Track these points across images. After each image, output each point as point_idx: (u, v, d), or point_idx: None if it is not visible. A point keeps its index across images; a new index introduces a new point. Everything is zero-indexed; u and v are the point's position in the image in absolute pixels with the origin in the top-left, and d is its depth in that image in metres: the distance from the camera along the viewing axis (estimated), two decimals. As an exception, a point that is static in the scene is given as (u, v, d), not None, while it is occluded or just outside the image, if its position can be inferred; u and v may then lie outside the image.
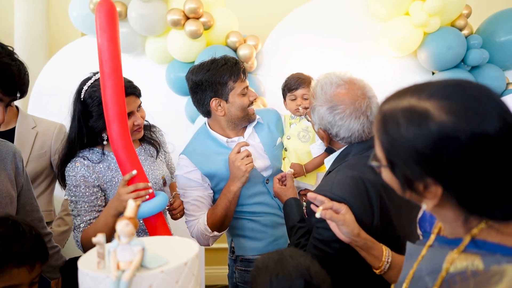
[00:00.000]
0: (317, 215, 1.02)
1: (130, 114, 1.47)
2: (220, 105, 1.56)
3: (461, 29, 2.57)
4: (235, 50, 2.50)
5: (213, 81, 1.52)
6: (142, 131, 1.57)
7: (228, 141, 1.68)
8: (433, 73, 2.77)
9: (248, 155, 1.51)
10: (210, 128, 1.72)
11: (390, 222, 1.14)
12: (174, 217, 1.76)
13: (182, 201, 1.73)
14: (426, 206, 0.69)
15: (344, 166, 1.18)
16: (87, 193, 1.51)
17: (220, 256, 3.05)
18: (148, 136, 1.69)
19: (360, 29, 2.62)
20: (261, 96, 2.51)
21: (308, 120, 1.31)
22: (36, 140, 1.90)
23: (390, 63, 2.75)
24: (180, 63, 2.48)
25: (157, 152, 1.75)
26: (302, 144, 1.73)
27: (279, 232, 1.71)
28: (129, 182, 1.40)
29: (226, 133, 1.69)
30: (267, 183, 1.71)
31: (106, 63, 1.36)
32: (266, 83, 2.60)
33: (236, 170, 1.49)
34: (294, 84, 1.74)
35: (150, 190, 1.42)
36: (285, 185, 1.51)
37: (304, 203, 1.47)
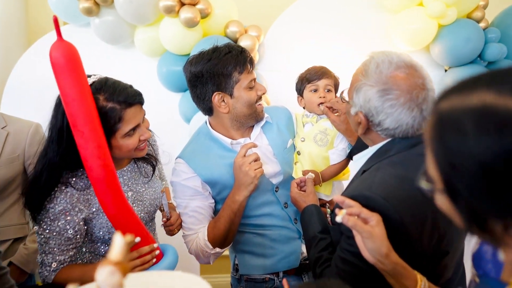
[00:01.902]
0: (338, 219, 0.87)
1: (136, 127, 1.27)
2: (223, 100, 1.38)
3: (478, 22, 2.41)
4: (235, 42, 2.28)
5: (215, 72, 1.33)
6: (147, 148, 1.37)
7: (232, 143, 1.48)
8: (445, 70, 2.61)
9: (257, 159, 1.35)
10: (212, 127, 1.51)
11: (439, 234, 0.95)
12: (171, 233, 1.54)
13: (179, 214, 1.50)
14: (504, 255, 0.48)
15: (386, 163, 1.00)
16: (65, 230, 1.24)
17: (219, 264, 2.80)
18: None
19: (368, 21, 2.47)
20: None
21: (344, 100, 1.12)
22: (7, 142, 1.64)
23: None
24: (174, 55, 2.28)
25: (154, 169, 1.54)
26: (318, 149, 1.52)
27: (290, 247, 1.53)
28: (132, 248, 1.19)
29: (230, 133, 1.49)
30: (276, 191, 1.51)
31: (75, 115, 1.04)
32: (268, 78, 2.41)
33: (243, 176, 1.33)
34: (315, 74, 1.52)
35: (157, 252, 1.23)
36: (304, 191, 1.36)
37: (329, 211, 1.27)
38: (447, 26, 2.41)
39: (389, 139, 1.04)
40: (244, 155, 1.35)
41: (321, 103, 1.51)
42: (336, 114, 1.48)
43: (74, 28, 2.48)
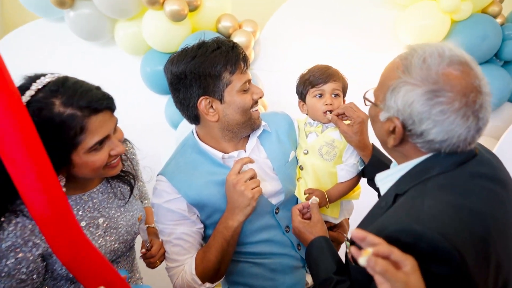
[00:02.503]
0: (362, 262, 0.66)
1: (105, 139, 1.05)
2: (212, 106, 1.18)
3: (494, 17, 2.23)
4: (228, 37, 2.04)
5: (201, 72, 1.13)
6: (120, 164, 1.16)
7: (224, 157, 1.26)
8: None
9: (253, 176, 1.17)
10: (200, 139, 1.30)
11: (504, 280, 0.78)
12: (152, 266, 1.31)
13: (161, 242, 1.29)
14: None
15: (433, 187, 0.81)
16: (16, 270, 1.01)
17: None
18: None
19: (374, 17, 2.34)
20: None
21: (368, 103, 0.93)
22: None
23: None
24: (159, 53, 2.09)
25: (131, 189, 1.30)
26: (324, 163, 1.31)
27: (293, 278, 1.34)
28: None
29: (221, 145, 1.28)
30: (276, 213, 1.30)
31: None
32: (265, 79, 2.25)
33: (239, 197, 1.15)
34: (320, 77, 1.31)
35: None
36: (308, 219, 1.17)
37: (347, 243, 1.05)
38: (461, 22, 2.26)
39: (430, 154, 0.85)
40: (239, 172, 1.17)
41: (328, 111, 1.28)
42: (347, 122, 1.26)
43: (47, 23, 2.24)
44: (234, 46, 1.19)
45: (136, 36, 2.10)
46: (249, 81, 1.23)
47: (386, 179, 0.94)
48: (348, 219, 1.44)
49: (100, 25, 2.11)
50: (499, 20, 2.28)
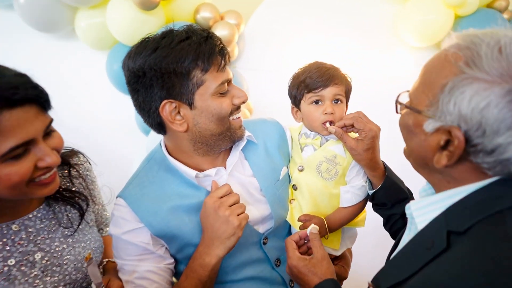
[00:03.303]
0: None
1: (28, 145, 0.84)
2: (179, 112, 0.99)
3: (501, 12, 2.08)
4: (207, 31, 1.81)
5: (163, 69, 0.94)
6: (57, 181, 0.94)
7: (198, 176, 1.06)
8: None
9: (237, 202, 1.00)
10: (169, 152, 1.10)
11: None
12: None
13: (121, 282, 1.07)
14: None
15: (505, 233, 0.63)
16: None
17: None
18: (64, 187, 1.08)
19: (372, 11, 2.27)
20: None
21: (406, 107, 0.76)
22: None
23: (408, 55, 2.34)
24: (127, 48, 1.87)
25: (82, 215, 1.08)
26: (323, 183, 1.10)
27: None
28: None
29: (195, 161, 1.08)
30: (264, 243, 1.13)
31: None
32: (250, 79, 2.11)
33: (221, 225, 0.98)
34: (319, 79, 1.09)
35: None
36: (304, 253, 0.99)
37: None
38: (465, 17, 2.13)
39: (494, 179, 0.68)
40: (222, 196, 1.00)
41: (329, 122, 1.05)
42: (353, 135, 1.04)
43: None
44: (209, 37, 0.98)
45: (100, 28, 1.91)
46: (228, 81, 1.02)
47: (426, 209, 0.75)
48: (351, 248, 1.22)
49: (57, 14, 1.94)
50: (506, 15, 2.15)
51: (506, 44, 0.62)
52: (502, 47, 0.62)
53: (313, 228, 1.00)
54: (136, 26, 1.77)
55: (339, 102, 1.08)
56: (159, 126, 1.03)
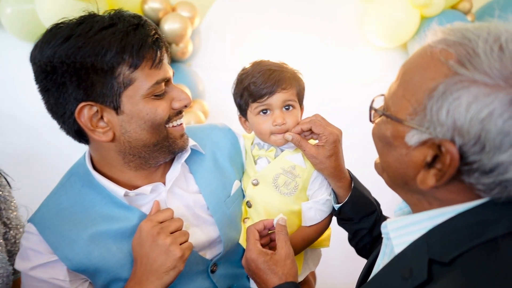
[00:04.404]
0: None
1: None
2: (102, 118, 0.83)
3: (465, 13, 2.09)
4: (157, 24, 1.63)
5: (78, 63, 0.78)
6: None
7: (128, 195, 0.89)
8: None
9: (179, 228, 0.87)
10: (94, 166, 0.93)
11: None
12: None
13: None
14: None
15: (501, 267, 0.53)
16: None
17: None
18: None
19: (338, 8, 2.22)
20: (198, 99, 1.84)
21: (385, 115, 0.64)
22: None
23: (372, 55, 2.30)
24: None
25: None
26: (281, 199, 0.97)
27: None
28: None
29: (126, 176, 0.92)
30: (213, 271, 0.99)
31: None
32: (206, 78, 1.96)
33: (159, 256, 0.83)
34: (264, 85, 0.94)
35: None
36: (271, 248, 0.88)
37: None
38: (431, 18, 2.10)
39: (484, 200, 0.58)
40: (162, 221, 0.86)
41: (279, 130, 0.93)
42: (312, 142, 0.91)
43: None
44: (140, 25, 0.82)
45: (28, 17, 1.69)
46: (166, 81, 0.87)
47: (404, 230, 0.64)
48: (314, 271, 1.10)
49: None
50: (469, 17, 2.16)
51: (508, 40, 0.52)
52: (503, 44, 0.52)
53: (280, 219, 0.88)
54: (71, 15, 1.54)
55: (290, 108, 0.94)
56: (78, 134, 0.85)
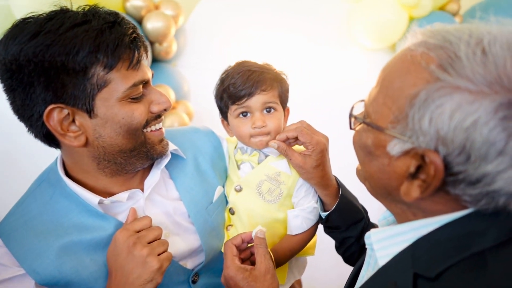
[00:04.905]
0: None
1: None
2: (73, 121, 0.78)
3: (453, 15, 2.09)
4: (139, 22, 1.58)
5: (48, 62, 0.72)
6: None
7: (103, 202, 0.84)
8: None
9: (158, 237, 0.83)
10: (66, 172, 0.87)
11: None
12: None
13: None
14: None
15: (502, 275, 0.51)
16: None
17: None
18: None
19: (325, 8, 2.19)
20: (183, 100, 1.79)
21: (365, 123, 0.61)
22: None
23: (361, 56, 2.29)
24: None
25: None
26: (265, 205, 0.93)
27: None
28: None
29: (102, 183, 0.87)
30: (194, 281, 0.94)
31: None
32: (191, 78, 1.91)
33: (136, 268, 0.79)
34: (242, 87, 0.90)
35: None
36: (250, 261, 0.87)
37: None
38: (420, 19, 2.10)
39: (469, 211, 0.56)
40: (139, 230, 0.82)
41: (257, 136, 0.90)
42: (298, 149, 0.88)
43: None
44: (117, 23, 0.78)
45: (3, 13, 1.64)
46: (145, 83, 0.82)
47: (388, 241, 0.62)
48: (300, 279, 1.06)
49: None
50: (457, 19, 2.16)
51: (491, 43, 0.49)
52: (485, 47, 0.49)
53: (259, 231, 0.83)
54: (43, 10, 1.48)
55: (272, 110, 0.90)
56: (47, 138, 0.80)
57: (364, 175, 0.64)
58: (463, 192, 0.53)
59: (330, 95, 2.17)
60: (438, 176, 0.51)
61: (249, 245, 0.86)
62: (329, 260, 1.81)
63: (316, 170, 0.86)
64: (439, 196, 0.55)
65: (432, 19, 2.08)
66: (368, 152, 0.60)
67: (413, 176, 0.54)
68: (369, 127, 0.58)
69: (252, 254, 0.86)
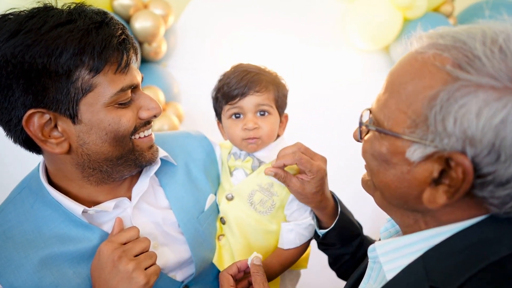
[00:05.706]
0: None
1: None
2: (56, 127, 0.74)
3: (447, 16, 2.09)
4: (127, 21, 1.54)
5: (28, 64, 0.69)
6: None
7: (87, 212, 0.80)
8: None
9: (146, 249, 0.79)
10: (49, 179, 0.83)
11: None
12: None
13: None
14: None
15: None
16: None
17: None
18: None
19: (318, 7, 2.18)
20: (172, 102, 1.74)
21: (380, 131, 0.58)
22: None
23: (355, 57, 2.28)
24: None
25: None
26: (257, 216, 0.90)
27: None
28: None
29: (87, 191, 0.83)
30: None
31: None
32: (181, 79, 1.87)
33: (121, 283, 0.75)
34: (236, 86, 0.88)
35: None
36: None
37: None
38: (414, 21, 2.08)
39: (483, 217, 0.54)
40: (125, 243, 0.78)
41: (249, 139, 0.87)
42: (290, 170, 0.86)
43: None
44: (104, 23, 0.73)
45: None
46: (133, 87, 0.78)
47: (395, 254, 0.59)
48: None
49: None
50: (451, 20, 2.17)
51: (507, 41, 0.49)
52: (502, 45, 0.49)
53: (255, 258, 0.81)
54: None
55: (266, 114, 0.88)
56: (27, 143, 0.76)
57: (375, 186, 0.61)
58: (491, 195, 0.51)
59: (324, 97, 2.15)
60: (468, 179, 0.49)
61: (245, 274, 0.84)
62: (320, 261, 1.80)
63: (315, 195, 0.84)
64: (462, 201, 0.53)
65: (426, 20, 2.07)
66: (383, 160, 0.57)
67: (436, 181, 0.52)
68: (382, 134, 0.56)
69: (250, 284, 0.83)
